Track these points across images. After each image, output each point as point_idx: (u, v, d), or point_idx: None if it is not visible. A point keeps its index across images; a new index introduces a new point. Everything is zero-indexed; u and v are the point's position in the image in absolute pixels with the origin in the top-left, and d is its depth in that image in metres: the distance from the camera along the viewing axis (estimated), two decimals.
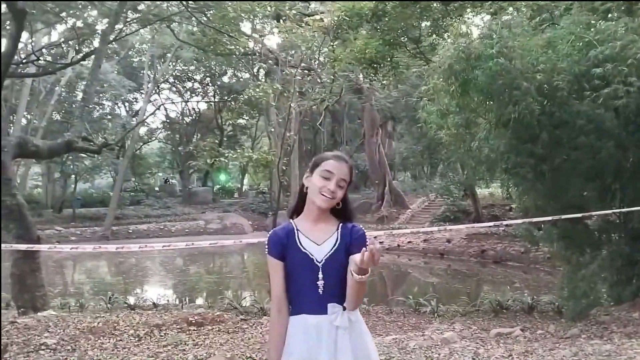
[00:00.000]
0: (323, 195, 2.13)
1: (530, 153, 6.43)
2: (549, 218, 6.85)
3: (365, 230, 2.23)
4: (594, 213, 6.87)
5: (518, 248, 16.82)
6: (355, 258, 1.96)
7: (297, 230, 2.20)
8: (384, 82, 18.08)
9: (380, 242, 21.59)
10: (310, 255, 2.15)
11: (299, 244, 2.17)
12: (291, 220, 2.26)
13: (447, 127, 7.76)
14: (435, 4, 13.32)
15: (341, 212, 2.24)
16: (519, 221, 9.03)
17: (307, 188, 2.20)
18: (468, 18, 15.52)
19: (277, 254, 2.18)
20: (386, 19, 13.60)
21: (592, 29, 6.63)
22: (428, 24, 14.55)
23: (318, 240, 2.17)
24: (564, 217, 6.60)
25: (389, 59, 14.85)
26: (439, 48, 7.87)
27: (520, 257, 16.79)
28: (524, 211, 8.21)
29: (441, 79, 7.12)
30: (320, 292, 2.13)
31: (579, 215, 6.62)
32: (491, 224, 11.45)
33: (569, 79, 6.25)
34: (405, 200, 28.09)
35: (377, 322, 7.49)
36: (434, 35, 14.09)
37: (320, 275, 2.12)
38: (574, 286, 6.87)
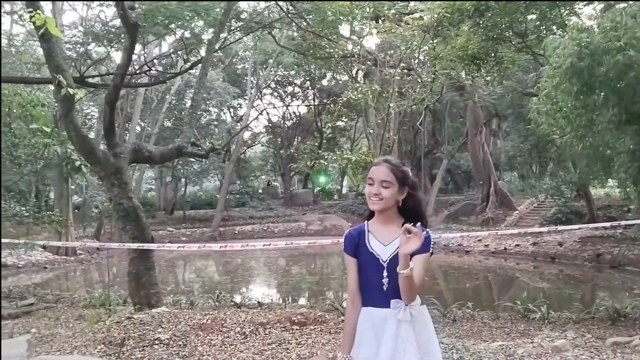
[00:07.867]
0: (370, 199, 2.41)
1: None
2: None
3: (431, 234, 2.39)
4: None
5: (638, 252, 15.55)
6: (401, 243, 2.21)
7: (368, 231, 2.48)
8: (488, 78, 17.40)
9: (485, 245, 20.87)
10: (376, 255, 2.41)
11: (368, 244, 2.44)
12: (366, 222, 2.53)
13: (561, 127, 7.29)
14: None
15: (410, 213, 2.44)
16: (639, 221, 8.37)
17: None
18: (579, 9, 14.56)
19: (351, 251, 2.48)
20: (489, 14, 13.05)
21: None
22: (534, 17, 13.79)
23: (385, 241, 2.42)
24: None
25: (492, 55, 14.24)
26: (552, 44, 7.38)
27: None
28: None
29: (562, 79, 6.67)
30: (385, 288, 2.37)
31: None
32: (607, 224, 10.63)
33: None
34: (512, 202, 26.84)
35: (483, 328, 7.22)
36: (543, 29, 13.33)
37: (385, 274, 2.37)
38: None
